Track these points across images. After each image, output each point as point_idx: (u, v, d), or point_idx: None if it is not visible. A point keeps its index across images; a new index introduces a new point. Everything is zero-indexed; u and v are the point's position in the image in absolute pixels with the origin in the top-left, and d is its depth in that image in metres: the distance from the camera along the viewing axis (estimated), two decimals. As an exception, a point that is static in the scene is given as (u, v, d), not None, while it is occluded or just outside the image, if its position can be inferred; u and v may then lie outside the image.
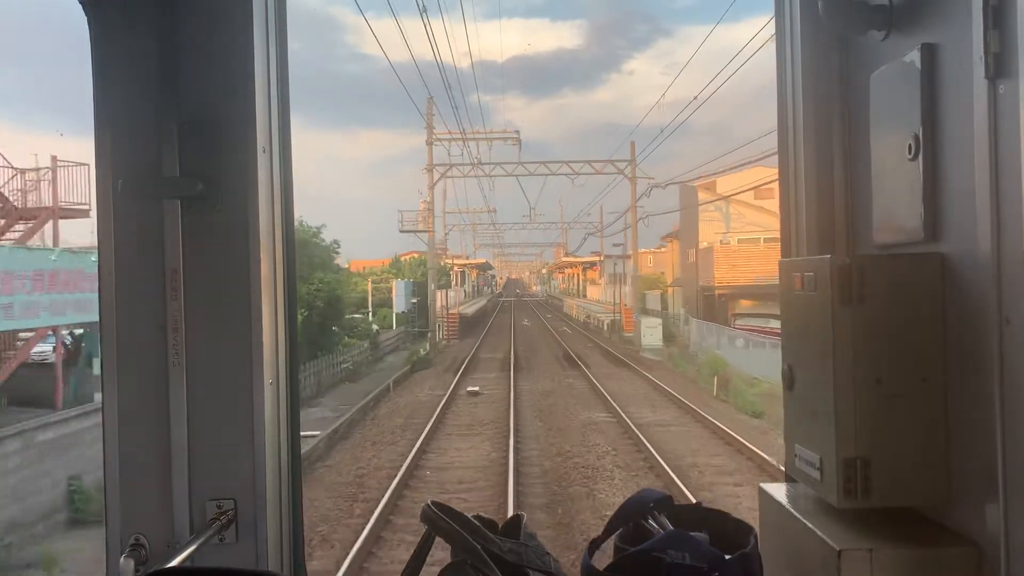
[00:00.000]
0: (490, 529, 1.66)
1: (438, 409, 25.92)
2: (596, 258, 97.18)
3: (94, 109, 2.04)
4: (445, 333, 57.36)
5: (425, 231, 54.02)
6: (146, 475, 2.03)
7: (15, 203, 25.15)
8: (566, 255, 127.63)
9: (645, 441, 20.51)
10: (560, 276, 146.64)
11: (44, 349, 26.07)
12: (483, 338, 56.68)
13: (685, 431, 22.71)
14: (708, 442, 21.25)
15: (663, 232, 73.64)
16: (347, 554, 13.05)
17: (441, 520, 1.63)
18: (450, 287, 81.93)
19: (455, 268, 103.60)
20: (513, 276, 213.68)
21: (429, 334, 52.33)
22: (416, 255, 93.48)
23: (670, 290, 79.10)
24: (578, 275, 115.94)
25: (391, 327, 65.55)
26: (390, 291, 68.48)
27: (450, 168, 53.40)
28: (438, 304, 59.72)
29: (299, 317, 2.48)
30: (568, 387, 31.23)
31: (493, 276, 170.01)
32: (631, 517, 1.82)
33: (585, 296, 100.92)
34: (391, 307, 65.64)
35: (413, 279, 69.86)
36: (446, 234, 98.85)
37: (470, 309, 71.58)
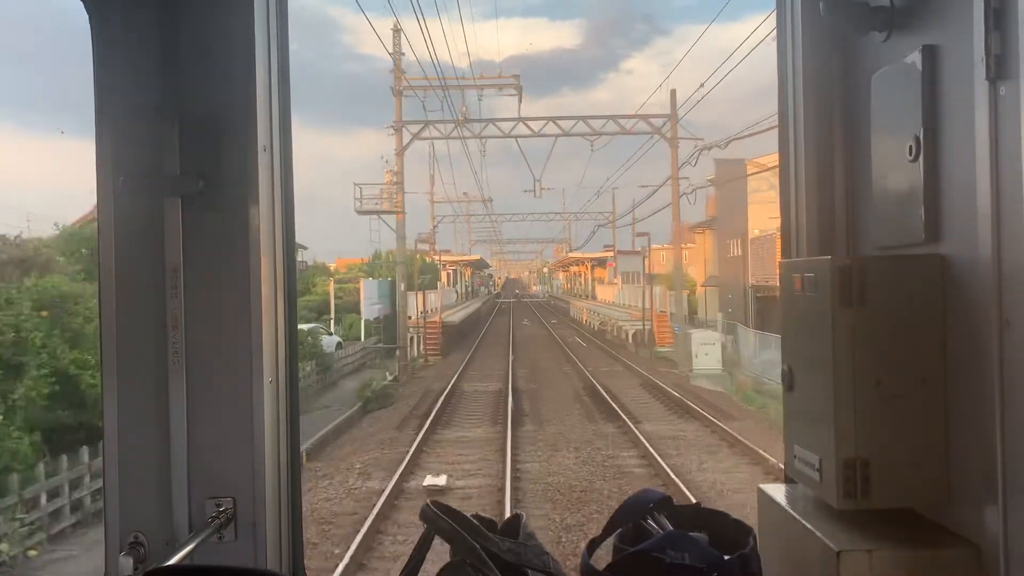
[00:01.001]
0: (489, 528, 1.65)
1: (351, 550, 12.24)
2: (609, 253, 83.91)
3: (95, 107, 2.03)
4: (424, 347, 43.81)
5: (392, 212, 39.92)
6: (145, 473, 2.03)
7: None
8: (570, 251, 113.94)
9: None
10: (564, 275, 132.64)
11: None
12: (472, 355, 42.57)
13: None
14: None
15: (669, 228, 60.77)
16: None
17: (440, 519, 1.61)
18: (437, 287, 68.68)
19: (446, 266, 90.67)
20: (512, 276, 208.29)
21: (398, 351, 38.53)
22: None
23: (700, 290, 65.94)
24: (585, 273, 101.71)
25: (359, 338, 52.17)
26: (358, 293, 54.90)
27: (426, 126, 39.13)
28: (417, 309, 46.26)
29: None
30: (612, 472, 16.80)
31: (490, 276, 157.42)
32: (631, 517, 1.80)
33: (595, 298, 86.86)
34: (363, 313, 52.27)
35: (391, 277, 56.20)
36: (434, 227, 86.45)
37: (458, 315, 57.17)
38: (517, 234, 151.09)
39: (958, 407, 1.82)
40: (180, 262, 2.00)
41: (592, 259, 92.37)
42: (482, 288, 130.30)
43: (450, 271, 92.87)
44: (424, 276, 74.94)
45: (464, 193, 67.80)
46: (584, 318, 70.68)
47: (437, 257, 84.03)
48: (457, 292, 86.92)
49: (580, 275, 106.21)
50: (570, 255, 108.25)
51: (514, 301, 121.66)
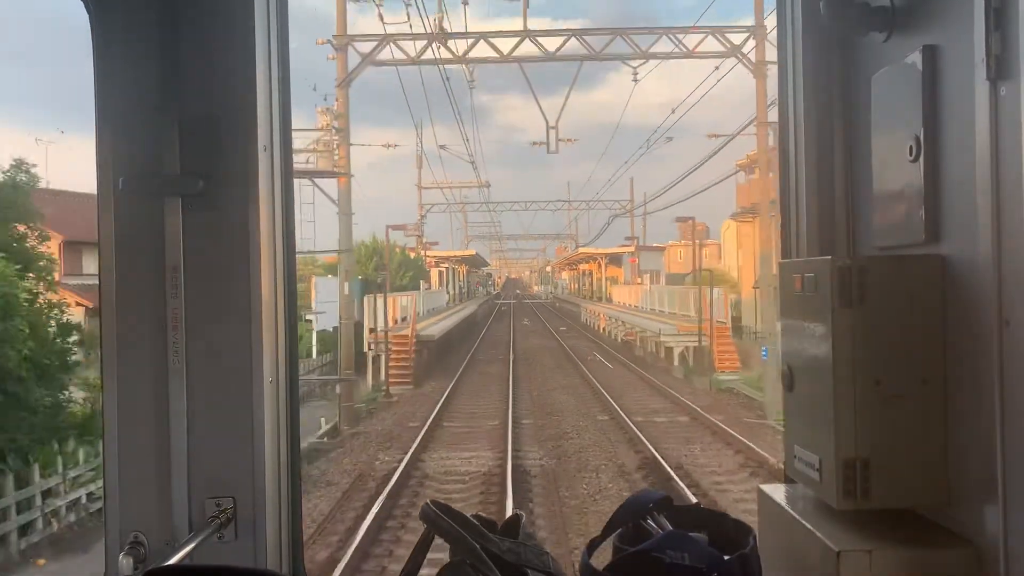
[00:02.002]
0: (489, 529, 1.65)
1: None
2: (628, 248, 70.93)
3: (95, 107, 2.03)
4: (388, 375, 30.84)
5: (332, 174, 26.45)
6: (145, 473, 2.03)
7: None
8: (577, 247, 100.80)
9: None
10: (570, 274, 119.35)
11: None
12: (456, 385, 29.68)
13: None
14: None
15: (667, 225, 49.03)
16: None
17: (440, 519, 1.61)
18: (420, 287, 55.40)
19: (436, 263, 76.91)
20: (513, 276, 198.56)
21: (339, 387, 25.36)
22: (392, 244, 67.51)
23: (747, 293, 53.38)
24: (596, 272, 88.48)
25: (310, 354, 39.34)
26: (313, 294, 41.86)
27: (384, 42, 26.01)
28: (379, 320, 33.43)
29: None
30: None
31: (489, 275, 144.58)
32: (630, 517, 1.79)
33: (610, 300, 73.51)
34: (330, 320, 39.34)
35: (363, 275, 43.26)
36: (422, 216, 73.06)
37: (443, 324, 43.57)
38: (519, 229, 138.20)
39: (958, 407, 1.83)
40: (180, 262, 2.01)
41: (607, 255, 79.05)
42: (480, 289, 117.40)
43: (443, 269, 79.44)
44: (408, 274, 60.45)
45: (442, 147, 53.72)
46: (601, 326, 57.57)
47: (423, 252, 70.14)
48: (449, 294, 73.63)
49: (590, 274, 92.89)
50: (580, 251, 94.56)
51: (515, 303, 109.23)
